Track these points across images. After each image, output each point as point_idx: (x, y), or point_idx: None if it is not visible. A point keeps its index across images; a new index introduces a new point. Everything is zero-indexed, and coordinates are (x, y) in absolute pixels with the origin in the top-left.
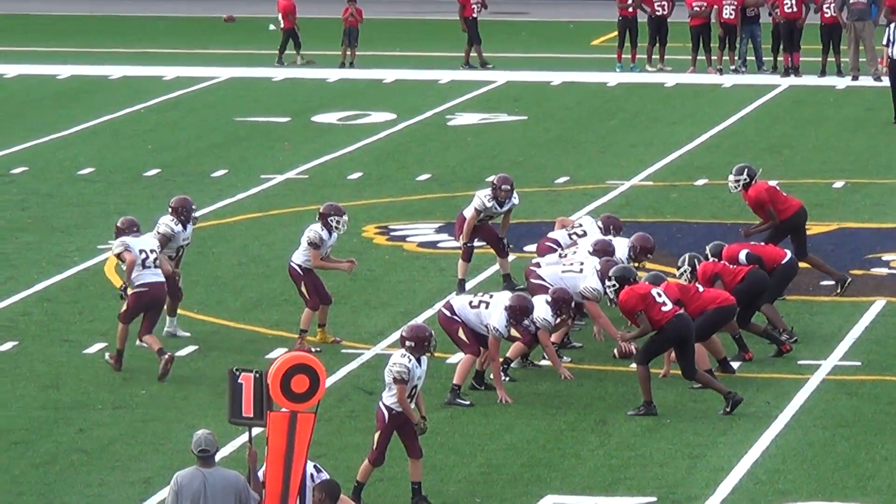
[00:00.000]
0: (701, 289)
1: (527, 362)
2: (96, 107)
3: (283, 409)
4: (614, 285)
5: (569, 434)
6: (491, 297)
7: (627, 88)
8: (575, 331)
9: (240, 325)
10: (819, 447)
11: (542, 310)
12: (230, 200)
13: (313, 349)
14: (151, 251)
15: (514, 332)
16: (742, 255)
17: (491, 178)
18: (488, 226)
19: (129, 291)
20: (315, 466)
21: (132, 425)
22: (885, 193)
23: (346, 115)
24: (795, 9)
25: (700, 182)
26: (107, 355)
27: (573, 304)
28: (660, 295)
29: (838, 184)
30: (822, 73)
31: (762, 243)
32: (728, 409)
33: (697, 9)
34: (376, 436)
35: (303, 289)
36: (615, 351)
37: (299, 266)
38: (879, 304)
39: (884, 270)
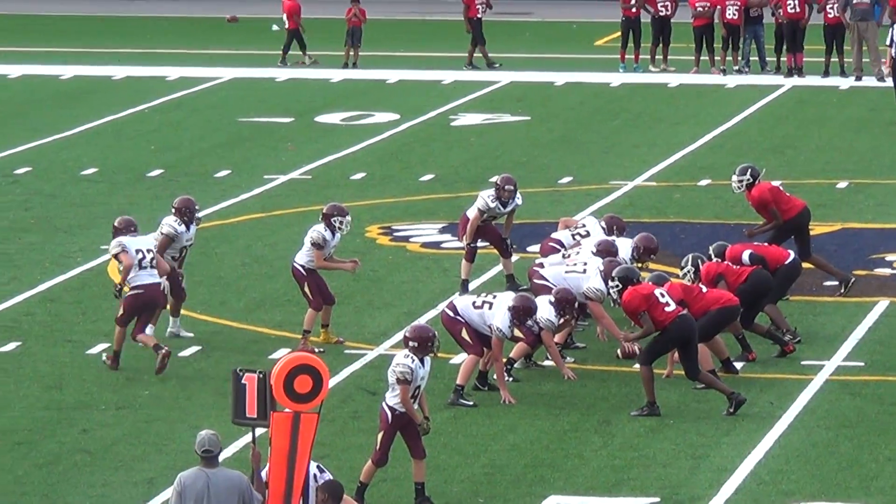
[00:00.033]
0: (704, 289)
1: (530, 363)
2: (99, 107)
3: (287, 410)
4: (617, 286)
5: (572, 434)
6: (494, 297)
7: (631, 89)
8: (578, 331)
9: (243, 325)
10: (822, 448)
11: (545, 310)
12: (233, 201)
13: (316, 350)
14: (148, 251)
15: (517, 333)
16: (745, 256)
17: (494, 179)
18: (492, 226)
19: (125, 293)
20: (318, 467)
21: (135, 426)
22: (888, 194)
23: (350, 116)
24: (798, 9)
25: (703, 182)
26: (104, 356)
27: (576, 305)
28: (663, 295)
29: (842, 184)
30: (826, 74)
31: (765, 244)
32: (731, 410)
33: (701, 9)
34: (379, 436)
35: (306, 289)
36: (618, 351)
37: (302, 266)
38: (883, 304)
39: (887, 271)
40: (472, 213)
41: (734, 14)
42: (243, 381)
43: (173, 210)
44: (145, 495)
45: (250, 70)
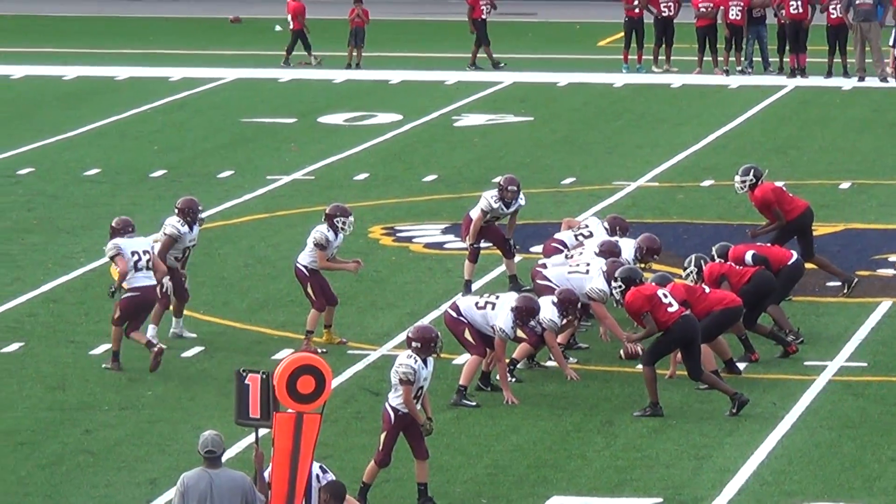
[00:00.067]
0: (707, 290)
1: (533, 363)
2: (103, 108)
3: (290, 410)
4: (620, 286)
5: (575, 435)
6: (497, 298)
7: (634, 89)
8: (581, 332)
9: (246, 325)
10: (825, 448)
11: (548, 311)
12: (236, 201)
13: (319, 350)
14: (144, 252)
15: (520, 334)
16: (748, 256)
17: (497, 179)
18: (495, 227)
19: (121, 294)
20: (321, 467)
21: (138, 426)
22: (891, 194)
23: (353, 116)
24: (801, 10)
25: (706, 183)
26: (103, 365)
27: (579, 305)
28: (666, 296)
29: (845, 185)
30: (829, 74)
31: (768, 244)
32: (734, 410)
33: (704, 10)
34: (382, 437)
35: (309, 290)
36: (621, 352)
37: (305, 267)
38: (886, 304)
39: (890, 271)
40: (475, 213)
41: (737, 14)
42: (246, 382)
43: (176, 210)
44: (148, 496)
45: (253, 71)
